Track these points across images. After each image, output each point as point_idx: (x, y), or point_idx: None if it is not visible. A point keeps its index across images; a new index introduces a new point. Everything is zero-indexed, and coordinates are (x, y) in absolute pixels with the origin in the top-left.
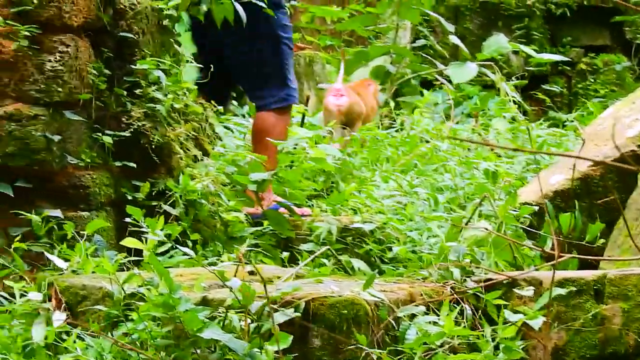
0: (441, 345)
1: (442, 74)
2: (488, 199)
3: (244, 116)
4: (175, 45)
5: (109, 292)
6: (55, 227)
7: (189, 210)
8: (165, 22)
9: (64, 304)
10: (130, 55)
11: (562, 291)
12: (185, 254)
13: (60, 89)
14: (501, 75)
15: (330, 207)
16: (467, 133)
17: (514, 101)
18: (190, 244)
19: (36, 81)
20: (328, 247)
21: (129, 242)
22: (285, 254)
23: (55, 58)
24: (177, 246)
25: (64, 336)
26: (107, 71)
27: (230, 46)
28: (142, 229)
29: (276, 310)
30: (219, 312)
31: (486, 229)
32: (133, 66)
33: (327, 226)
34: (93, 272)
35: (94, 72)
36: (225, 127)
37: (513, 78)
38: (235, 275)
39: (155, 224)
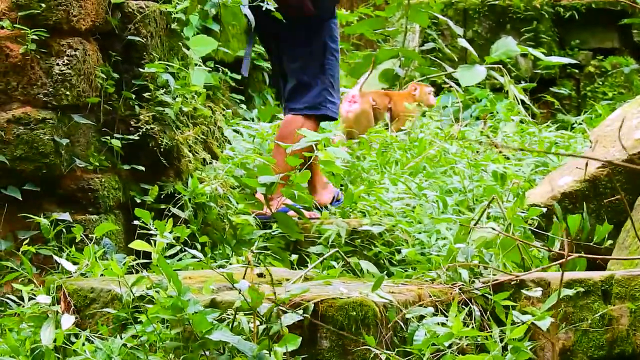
0: (449, 346)
1: (450, 77)
2: (496, 201)
3: (252, 120)
4: (184, 49)
5: (118, 295)
6: (63, 230)
7: (198, 213)
8: (174, 25)
9: (72, 307)
10: (138, 59)
11: (570, 292)
12: (194, 256)
13: (68, 93)
14: (510, 78)
15: (339, 209)
16: (475, 135)
17: (522, 104)
18: (199, 246)
19: (44, 85)
20: (337, 249)
21: (138, 244)
22: (294, 257)
23: (64, 62)
24: (186, 249)
25: (73, 339)
26: (115, 75)
27: (287, 50)
28: (150, 232)
29: (285, 312)
30: (228, 314)
31: (494, 229)
32: (141, 69)
33: (335, 229)
34: (102, 275)
35: (102, 75)
36: (235, 131)
37: (522, 81)
38: (244, 278)
39: (164, 227)
